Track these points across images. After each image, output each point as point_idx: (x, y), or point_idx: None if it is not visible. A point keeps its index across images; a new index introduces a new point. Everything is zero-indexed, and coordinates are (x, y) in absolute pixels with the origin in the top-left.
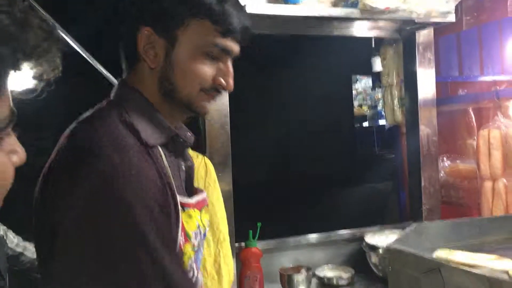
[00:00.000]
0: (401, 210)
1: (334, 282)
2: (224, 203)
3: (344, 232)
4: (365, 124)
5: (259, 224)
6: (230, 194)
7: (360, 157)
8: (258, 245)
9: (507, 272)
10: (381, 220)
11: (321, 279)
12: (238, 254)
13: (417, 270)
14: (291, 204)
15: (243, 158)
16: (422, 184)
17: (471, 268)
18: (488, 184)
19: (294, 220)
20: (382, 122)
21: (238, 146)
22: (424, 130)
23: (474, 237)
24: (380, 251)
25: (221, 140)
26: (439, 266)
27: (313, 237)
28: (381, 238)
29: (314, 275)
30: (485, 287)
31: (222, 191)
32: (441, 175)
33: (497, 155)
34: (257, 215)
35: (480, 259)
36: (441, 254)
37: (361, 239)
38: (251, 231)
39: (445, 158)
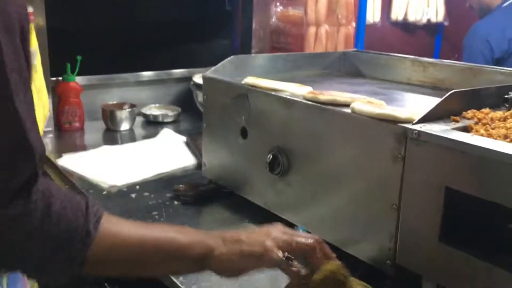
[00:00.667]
0: (233, 53)
1: (160, 119)
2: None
3: (174, 71)
4: None
5: (79, 58)
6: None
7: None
8: (80, 81)
9: (303, 95)
10: (215, 63)
11: (146, 116)
12: (54, 88)
13: (227, 96)
14: (123, 43)
15: None
16: (253, 27)
17: (273, 92)
18: (312, 30)
19: (124, 57)
20: None
21: None
22: None
23: (288, 70)
24: None
25: None
26: (247, 91)
27: (142, 75)
28: None
29: (140, 113)
30: (282, 108)
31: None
32: (273, 20)
33: (323, 1)
34: (81, 49)
35: (284, 86)
36: (248, 80)
37: (190, 79)
38: (69, 64)
39: (278, 3)
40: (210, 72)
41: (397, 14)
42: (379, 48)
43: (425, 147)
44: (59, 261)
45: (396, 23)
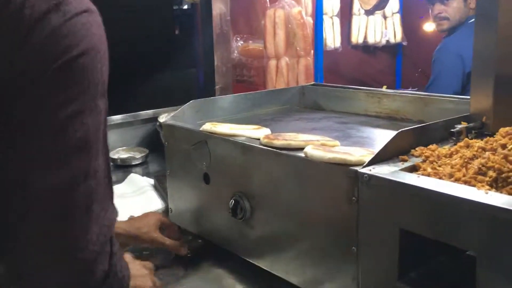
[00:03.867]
0: (199, 90)
1: (128, 162)
2: None
3: (140, 113)
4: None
5: None
6: None
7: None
8: None
9: (259, 141)
10: (181, 101)
11: (114, 161)
12: None
13: (188, 143)
14: None
15: None
16: (215, 63)
17: (232, 137)
18: (273, 63)
19: None
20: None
21: None
22: (218, 9)
23: (248, 109)
24: None
25: None
26: (206, 138)
27: (109, 119)
28: None
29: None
30: (240, 153)
31: None
32: (235, 54)
33: (281, 35)
34: None
35: (241, 129)
36: (206, 127)
37: (155, 119)
38: None
39: (238, 38)
40: (170, 118)
41: (357, 38)
42: (342, 72)
43: (376, 190)
44: None
45: (356, 46)
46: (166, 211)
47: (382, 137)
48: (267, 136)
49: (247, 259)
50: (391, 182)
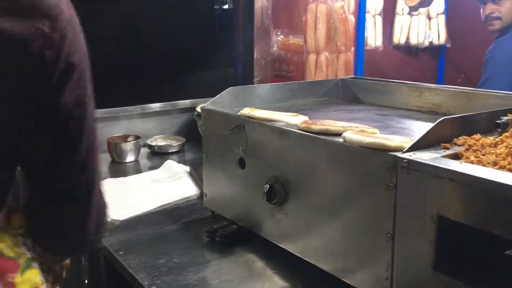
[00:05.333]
0: (237, 83)
1: (164, 150)
2: None
3: (178, 102)
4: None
5: None
6: None
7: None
8: None
9: (297, 126)
10: (219, 92)
11: (151, 148)
12: None
13: (225, 128)
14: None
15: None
16: (255, 56)
17: (269, 122)
18: (312, 57)
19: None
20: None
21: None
22: (259, 2)
23: (286, 99)
24: None
25: None
26: (243, 122)
27: (147, 107)
28: None
29: (145, 144)
30: (277, 138)
31: None
32: (274, 49)
33: (322, 29)
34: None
35: (279, 115)
36: (244, 111)
37: (194, 109)
38: None
39: (278, 33)
40: (209, 104)
41: (399, 38)
42: (382, 72)
43: (416, 176)
44: None
45: (398, 47)
46: (200, 197)
47: (422, 128)
48: (305, 122)
49: (279, 245)
50: (432, 168)
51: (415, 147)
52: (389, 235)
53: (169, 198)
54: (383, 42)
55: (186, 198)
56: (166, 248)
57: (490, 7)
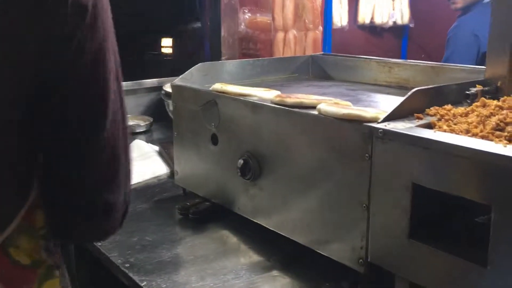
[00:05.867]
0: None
1: (132, 130)
2: None
3: (144, 81)
4: None
5: None
6: None
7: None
8: None
9: (270, 100)
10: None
11: None
12: None
13: (196, 104)
14: None
15: None
16: (222, 34)
17: (242, 97)
18: (280, 35)
19: None
20: None
21: None
22: None
23: (256, 76)
24: None
25: None
26: (215, 98)
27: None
28: None
29: None
30: (251, 112)
31: None
32: (242, 27)
33: (289, 7)
34: None
35: (251, 91)
36: (216, 86)
37: (161, 88)
38: None
39: (246, 11)
40: (178, 80)
41: (363, 18)
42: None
43: (391, 145)
44: None
45: (363, 27)
46: (171, 176)
47: (393, 102)
48: (279, 95)
49: (254, 220)
50: (407, 137)
51: (390, 117)
52: (364, 205)
53: (140, 177)
54: (349, 22)
55: (156, 176)
56: (139, 226)
57: None
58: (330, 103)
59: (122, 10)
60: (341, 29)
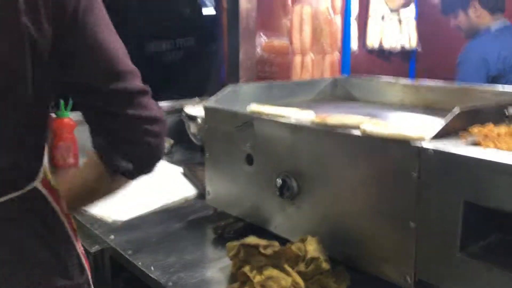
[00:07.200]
0: (221, 84)
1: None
2: None
3: (164, 104)
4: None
5: None
6: None
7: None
8: (74, 117)
9: (310, 120)
10: (202, 94)
11: None
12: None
13: (232, 125)
14: None
15: None
16: (240, 57)
17: (279, 118)
18: (298, 58)
19: None
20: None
21: None
22: (244, 4)
23: (284, 97)
24: (199, 120)
25: None
26: (252, 119)
27: None
28: (200, 109)
29: None
30: (289, 133)
31: None
32: (258, 50)
33: (307, 30)
34: None
35: (287, 111)
36: (253, 108)
37: (181, 110)
38: (62, 102)
39: (262, 34)
40: (210, 102)
41: (372, 42)
42: (358, 74)
43: (441, 164)
44: None
45: (372, 51)
46: (199, 197)
47: (425, 121)
48: (319, 116)
49: (290, 239)
50: (458, 156)
51: (436, 136)
52: (411, 223)
53: (169, 198)
54: (358, 46)
55: (185, 197)
56: (175, 246)
57: (453, 22)
58: (372, 123)
59: (140, 32)
60: (352, 53)
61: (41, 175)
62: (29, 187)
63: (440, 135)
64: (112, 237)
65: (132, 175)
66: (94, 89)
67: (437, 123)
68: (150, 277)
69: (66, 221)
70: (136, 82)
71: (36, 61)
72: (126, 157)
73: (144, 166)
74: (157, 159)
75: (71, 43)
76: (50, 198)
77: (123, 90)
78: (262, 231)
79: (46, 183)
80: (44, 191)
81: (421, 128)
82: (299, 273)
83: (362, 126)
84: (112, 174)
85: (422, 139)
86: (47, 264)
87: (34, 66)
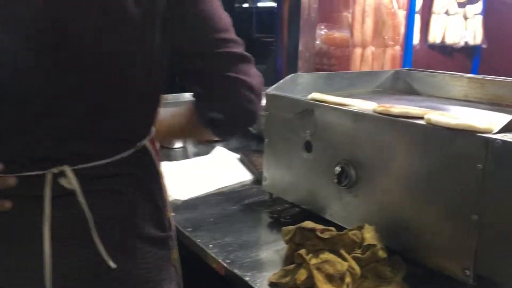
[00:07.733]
0: (277, 75)
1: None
2: None
3: None
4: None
5: None
6: None
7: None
8: None
9: (373, 109)
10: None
11: None
12: None
13: (291, 112)
14: None
15: None
16: (300, 48)
17: (341, 106)
18: (358, 51)
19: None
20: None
21: None
22: None
23: (344, 88)
24: None
25: None
26: (313, 107)
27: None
28: None
29: None
30: (351, 121)
31: None
32: (317, 42)
33: (369, 23)
34: None
35: (349, 101)
36: (315, 96)
37: None
38: None
39: (322, 26)
40: (272, 89)
41: (434, 37)
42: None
43: (509, 156)
44: None
45: (433, 46)
46: (254, 182)
47: (491, 116)
48: (381, 105)
49: (346, 227)
50: None
51: (504, 129)
52: (475, 216)
53: (226, 182)
54: (420, 41)
55: (240, 182)
56: (231, 227)
57: None
58: (437, 114)
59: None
60: (413, 47)
61: (152, 134)
62: (140, 145)
63: (507, 128)
64: (172, 214)
65: (218, 131)
66: (199, 54)
67: (504, 118)
68: (209, 254)
69: (162, 175)
70: (240, 49)
71: (156, 29)
72: (218, 112)
73: (232, 127)
74: (246, 124)
75: (184, 11)
76: (153, 153)
77: (226, 54)
78: (317, 218)
79: (151, 139)
80: (150, 147)
81: (488, 120)
82: (355, 258)
83: (428, 116)
84: (201, 125)
85: (490, 130)
86: (148, 217)
87: (155, 33)
